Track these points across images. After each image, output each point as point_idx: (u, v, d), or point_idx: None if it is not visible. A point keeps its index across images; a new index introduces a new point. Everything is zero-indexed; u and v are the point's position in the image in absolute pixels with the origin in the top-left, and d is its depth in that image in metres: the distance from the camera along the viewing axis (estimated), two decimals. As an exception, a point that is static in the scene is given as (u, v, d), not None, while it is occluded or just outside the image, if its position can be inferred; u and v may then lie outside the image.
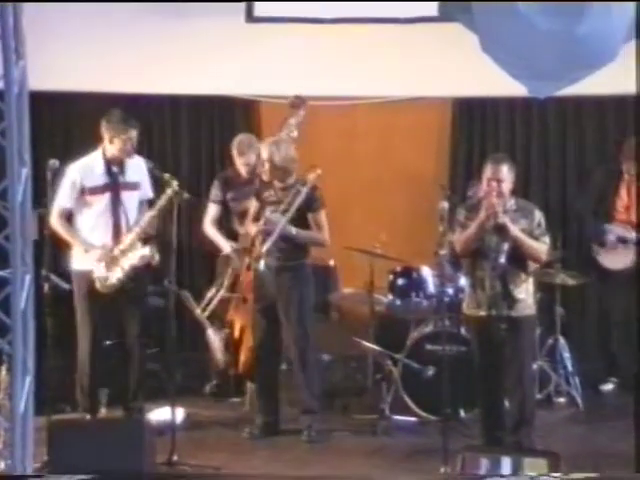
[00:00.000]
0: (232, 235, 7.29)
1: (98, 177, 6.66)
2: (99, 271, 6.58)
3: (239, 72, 7.90)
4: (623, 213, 7.54)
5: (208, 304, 7.19)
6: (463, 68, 7.59)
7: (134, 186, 6.72)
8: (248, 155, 7.35)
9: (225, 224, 7.38)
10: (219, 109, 8.31)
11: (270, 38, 7.85)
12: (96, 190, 6.66)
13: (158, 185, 6.71)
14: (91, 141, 8.14)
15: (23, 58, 4.91)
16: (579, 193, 7.98)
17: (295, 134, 6.91)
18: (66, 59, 7.76)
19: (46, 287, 6.36)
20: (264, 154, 6.68)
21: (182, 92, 8.10)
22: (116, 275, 6.58)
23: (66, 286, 7.03)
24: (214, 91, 8.08)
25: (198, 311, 7.19)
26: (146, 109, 8.27)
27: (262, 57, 7.84)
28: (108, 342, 7.02)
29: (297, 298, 6.71)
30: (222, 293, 7.16)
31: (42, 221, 6.69)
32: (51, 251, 6.42)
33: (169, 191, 6.56)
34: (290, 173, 6.70)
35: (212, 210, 7.41)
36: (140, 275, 6.69)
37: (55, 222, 6.61)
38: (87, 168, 6.67)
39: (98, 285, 6.59)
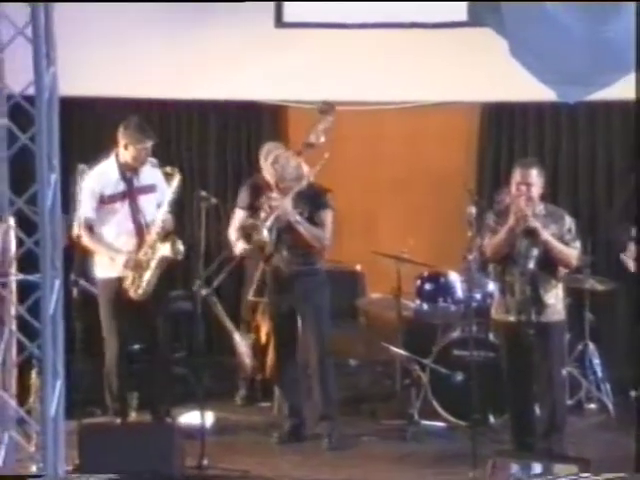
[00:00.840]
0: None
1: (115, 184, 6.65)
2: (129, 279, 6.57)
3: (267, 77, 7.91)
4: None
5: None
6: (492, 73, 7.57)
7: (150, 189, 6.70)
8: (276, 165, 7.37)
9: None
10: (246, 114, 8.31)
11: (298, 43, 7.86)
12: (115, 198, 6.65)
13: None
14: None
15: (54, 64, 4.93)
16: (610, 200, 7.95)
17: (322, 140, 6.90)
18: (95, 65, 7.79)
19: (75, 292, 6.38)
20: (271, 178, 6.70)
21: (210, 97, 8.11)
22: (145, 279, 6.59)
23: (95, 291, 7.06)
24: (242, 96, 8.09)
25: (225, 316, 7.19)
26: (175, 114, 8.30)
27: (290, 62, 7.85)
28: (136, 346, 7.02)
29: (314, 303, 6.70)
30: (250, 297, 7.14)
31: (71, 226, 6.71)
32: (80, 256, 6.43)
33: (174, 183, 6.59)
34: (300, 180, 6.68)
35: (238, 215, 7.36)
36: (163, 278, 6.67)
37: (80, 234, 6.62)
38: (103, 176, 6.67)
39: (132, 293, 6.56)
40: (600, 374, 7.35)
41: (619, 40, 6.20)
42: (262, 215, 6.66)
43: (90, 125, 8.27)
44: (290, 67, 7.85)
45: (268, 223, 6.61)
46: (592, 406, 7.33)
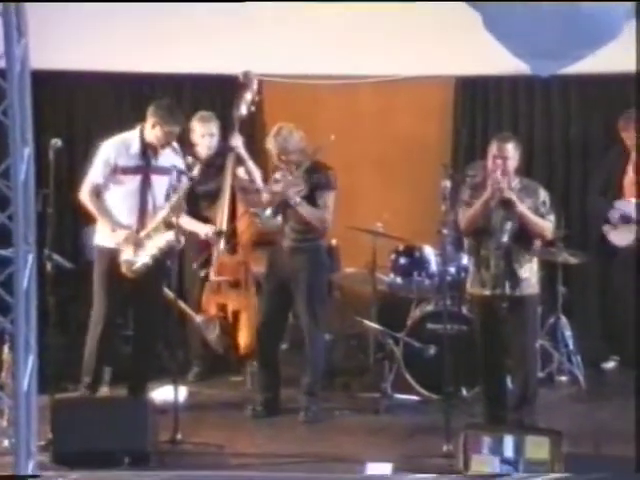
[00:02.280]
0: (199, 219, 7.17)
1: (132, 157, 6.63)
2: (126, 254, 6.52)
3: (242, 51, 7.87)
4: (630, 188, 7.53)
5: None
6: (466, 46, 7.56)
7: (165, 171, 6.63)
8: (210, 125, 7.39)
9: (190, 209, 7.12)
10: (222, 88, 8.27)
11: (273, 17, 7.82)
12: (128, 170, 6.62)
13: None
14: (93, 120, 8.19)
15: (25, 36, 4.89)
16: (586, 173, 7.99)
17: (253, 109, 6.93)
18: (68, 37, 7.74)
19: (49, 266, 6.36)
20: (274, 149, 6.70)
21: (185, 71, 8.08)
22: (142, 260, 6.52)
23: (68, 265, 7.04)
24: (217, 70, 8.05)
25: (183, 303, 7.16)
26: (149, 88, 8.25)
27: (265, 36, 7.82)
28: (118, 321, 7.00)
29: (310, 281, 6.71)
30: (212, 278, 7.11)
31: (45, 201, 6.67)
32: (53, 230, 6.41)
33: (194, 173, 6.54)
34: (302, 153, 6.71)
35: None
36: (162, 260, 6.58)
37: (86, 197, 6.61)
38: (122, 146, 6.64)
39: (124, 269, 6.52)
40: (571, 347, 7.41)
41: (592, 13, 6.20)
42: (265, 199, 6.66)
43: (63, 98, 8.22)
44: (264, 41, 7.81)
45: (270, 210, 6.62)
46: (563, 378, 7.39)
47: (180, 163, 6.64)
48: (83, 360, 6.68)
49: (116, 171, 6.61)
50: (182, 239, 6.49)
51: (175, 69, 8.05)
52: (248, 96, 6.95)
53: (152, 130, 6.61)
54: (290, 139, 6.67)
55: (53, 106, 8.14)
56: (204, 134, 7.40)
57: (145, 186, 6.62)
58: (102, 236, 6.67)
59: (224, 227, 6.94)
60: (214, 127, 7.43)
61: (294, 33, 7.85)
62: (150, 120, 6.62)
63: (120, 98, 8.20)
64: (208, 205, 7.19)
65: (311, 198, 6.69)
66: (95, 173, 6.62)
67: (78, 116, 8.24)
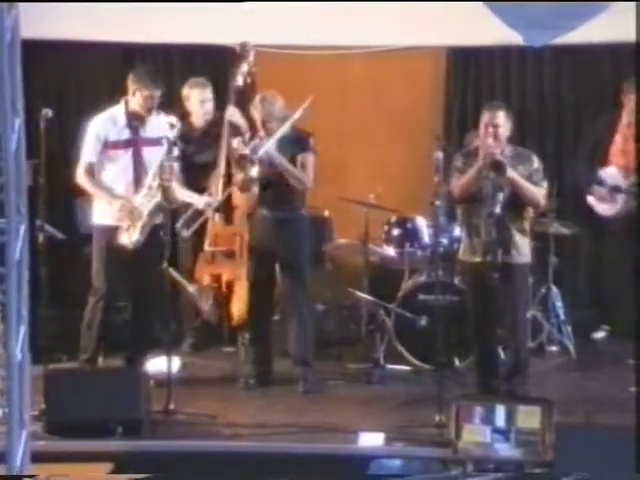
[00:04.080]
0: (195, 189, 7.14)
1: (120, 131, 6.63)
2: (125, 226, 6.52)
3: (232, 21, 7.85)
4: (618, 157, 7.53)
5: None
6: (458, 17, 7.54)
7: (156, 142, 6.61)
8: (205, 90, 7.40)
9: (188, 179, 7.15)
10: (212, 58, 8.25)
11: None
12: (119, 144, 6.62)
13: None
14: (84, 90, 8.16)
15: (16, 6, 4.86)
16: (577, 144, 7.99)
17: (249, 81, 6.94)
18: (59, 7, 7.69)
19: (41, 237, 6.36)
20: (259, 115, 6.72)
21: (175, 41, 8.05)
22: (139, 226, 6.52)
23: (60, 236, 7.03)
24: (207, 40, 8.03)
25: (176, 273, 7.16)
26: (139, 58, 8.21)
27: (256, 6, 7.78)
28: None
29: (295, 250, 6.74)
30: (207, 248, 7.10)
31: (36, 171, 6.66)
32: (45, 201, 6.40)
33: (174, 133, 6.48)
34: (284, 120, 6.73)
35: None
36: (158, 229, 6.55)
37: (82, 178, 6.61)
38: (110, 121, 6.64)
39: (126, 241, 6.53)
40: (562, 317, 7.45)
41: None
42: (248, 152, 6.66)
43: (54, 68, 8.19)
44: (255, 11, 7.77)
45: (256, 157, 6.60)
46: (554, 348, 7.43)
47: (170, 132, 6.58)
48: (80, 335, 6.67)
49: (107, 147, 6.61)
50: (178, 198, 6.53)
51: (166, 39, 8.02)
52: (244, 67, 6.95)
53: (133, 98, 6.62)
54: (275, 105, 6.71)
55: (44, 76, 8.11)
56: (203, 100, 7.38)
57: (137, 159, 6.62)
58: (100, 214, 6.66)
59: (219, 197, 6.92)
60: (209, 92, 7.42)
61: (285, 3, 7.81)
62: (131, 88, 6.63)
63: (111, 68, 8.16)
64: (204, 175, 7.17)
65: (291, 162, 6.71)
66: (88, 152, 6.61)
67: (69, 86, 8.21)
